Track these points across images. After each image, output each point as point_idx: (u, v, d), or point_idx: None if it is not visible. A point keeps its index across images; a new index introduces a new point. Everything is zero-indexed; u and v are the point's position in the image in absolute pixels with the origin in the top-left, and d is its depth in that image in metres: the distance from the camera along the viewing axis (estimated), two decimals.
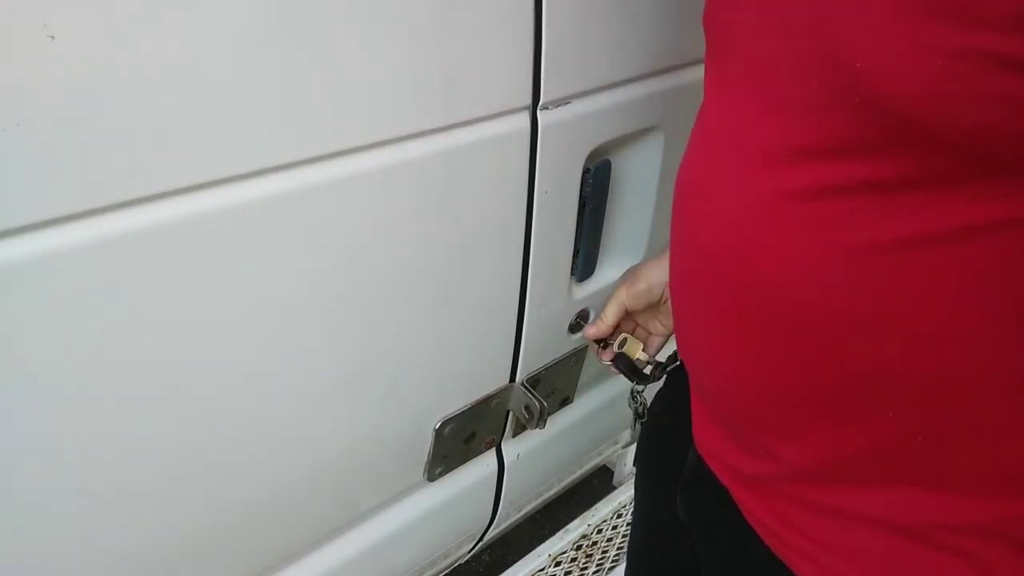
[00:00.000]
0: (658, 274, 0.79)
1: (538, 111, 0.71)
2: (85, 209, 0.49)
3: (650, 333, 0.86)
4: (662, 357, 0.86)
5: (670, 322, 0.83)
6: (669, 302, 0.81)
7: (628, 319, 0.84)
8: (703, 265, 0.51)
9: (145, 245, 0.52)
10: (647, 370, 0.85)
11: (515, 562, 1.32)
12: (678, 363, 0.81)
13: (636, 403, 0.86)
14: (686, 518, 0.70)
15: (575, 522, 1.39)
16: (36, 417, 0.54)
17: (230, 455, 0.67)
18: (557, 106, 0.72)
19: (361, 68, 0.57)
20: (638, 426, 0.87)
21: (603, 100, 0.77)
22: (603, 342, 0.85)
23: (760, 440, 0.54)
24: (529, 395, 0.91)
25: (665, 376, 0.83)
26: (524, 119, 0.70)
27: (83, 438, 0.57)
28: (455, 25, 0.60)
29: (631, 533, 0.90)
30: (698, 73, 0.85)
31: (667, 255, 0.81)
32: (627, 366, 0.84)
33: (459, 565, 1.21)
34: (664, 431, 0.80)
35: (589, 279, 0.93)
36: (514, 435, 1.00)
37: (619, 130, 0.81)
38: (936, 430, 0.45)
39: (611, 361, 0.84)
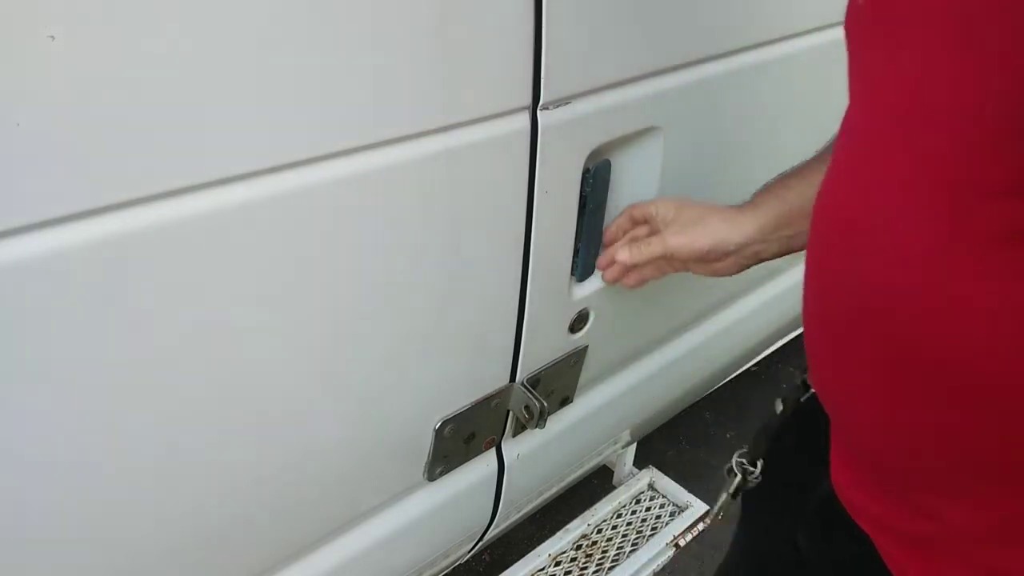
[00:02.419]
0: (726, 232, 0.72)
1: (538, 111, 0.71)
2: (85, 209, 0.49)
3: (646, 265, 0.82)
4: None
5: (674, 268, 0.80)
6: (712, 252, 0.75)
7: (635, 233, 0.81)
8: (856, 304, 0.46)
9: (144, 245, 0.52)
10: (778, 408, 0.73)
11: (515, 562, 1.32)
12: (811, 392, 0.70)
13: (744, 467, 0.73)
14: (809, 550, 0.65)
15: (575, 522, 1.39)
16: (36, 416, 0.54)
17: (230, 454, 0.67)
18: (557, 106, 0.72)
19: (361, 68, 0.57)
20: (729, 495, 0.75)
21: (603, 100, 0.76)
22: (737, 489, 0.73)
23: (917, 497, 0.50)
24: (529, 395, 0.91)
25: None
26: (524, 119, 0.70)
27: (83, 437, 0.57)
28: (455, 25, 0.60)
29: (728, 558, 0.83)
30: (698, 73, 0.85)
31: (733, 210, 0.75)
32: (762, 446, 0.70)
33: (459, 565, 1.21)
34: (788, 454, 0.72)
35: (589, 279, 0.92)
36: (514, 435, 1.00)
37: (619, 130, 0.81)
38: None
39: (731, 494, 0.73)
